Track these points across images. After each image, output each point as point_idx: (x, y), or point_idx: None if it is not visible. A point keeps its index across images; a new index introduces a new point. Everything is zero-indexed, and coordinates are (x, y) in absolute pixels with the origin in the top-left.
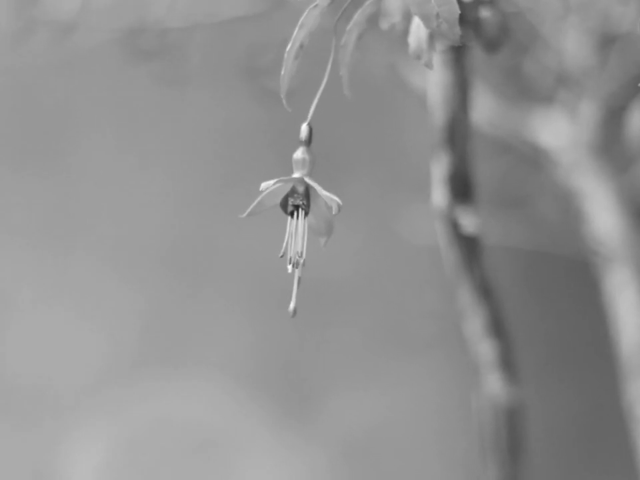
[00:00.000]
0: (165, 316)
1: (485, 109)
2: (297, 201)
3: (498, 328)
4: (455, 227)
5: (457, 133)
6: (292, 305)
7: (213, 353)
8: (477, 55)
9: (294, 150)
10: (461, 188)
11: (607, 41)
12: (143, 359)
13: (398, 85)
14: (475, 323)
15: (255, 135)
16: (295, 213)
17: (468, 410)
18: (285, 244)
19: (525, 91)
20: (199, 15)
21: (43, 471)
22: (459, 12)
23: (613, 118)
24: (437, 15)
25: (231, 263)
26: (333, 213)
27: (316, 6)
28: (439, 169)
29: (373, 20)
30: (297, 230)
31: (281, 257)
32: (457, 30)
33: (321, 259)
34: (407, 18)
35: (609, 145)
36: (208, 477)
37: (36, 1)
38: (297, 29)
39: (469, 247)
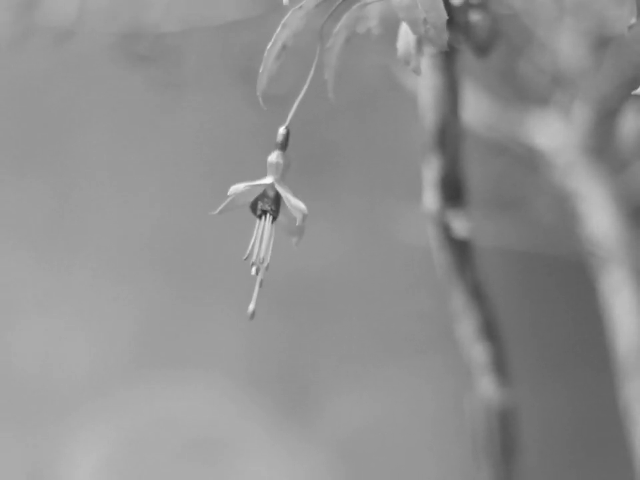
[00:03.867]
0: (164, 318)
1: (479, 110)
2: (265, 206)
3: (491, 330)
4: (446, 230)
5: (448, 136)
6: (251, 307)
7: (212, 355)
8: (469, 57)
9: (289, 153)
10: (452, 191)
11: (602, 43)
12: (143, 361)
13: (390, 87)
14: (467, 326)
15: (250, 138)
16: (264, 217)
17: (462, 412)
18: (250, 247)
19: (520, 93)
20: (195, 19)
21: (44, 472)
22: (447, 17)
23: (608, 119)
24: (425, 20)
25: (228, 264)
26: (297, 224)
27: (301, 7)
28: (430, 172)
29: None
30: (263, 234)
31: (245, 259)
32: (445, 35)
33: (314, 260)
34: (384, 21)
35: (603, 146)
36: (207, 478)
37: (34, 6)
38: (279, 28)
39: (460, 250)
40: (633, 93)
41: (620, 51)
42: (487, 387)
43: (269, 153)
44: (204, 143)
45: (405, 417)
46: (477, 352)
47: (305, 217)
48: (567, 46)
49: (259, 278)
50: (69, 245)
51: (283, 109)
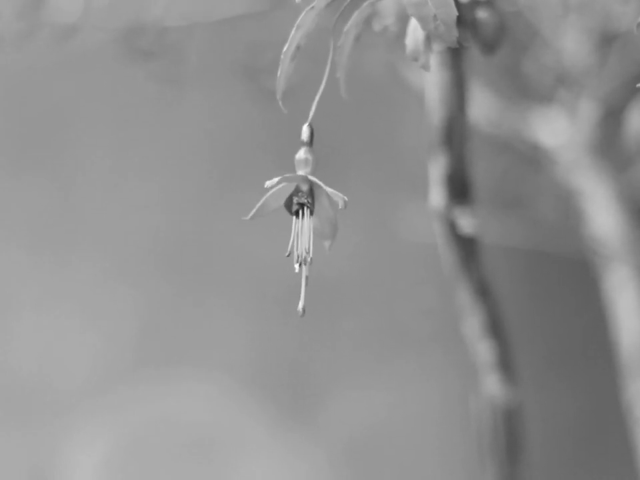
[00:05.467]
0: (165, 317)
1: (484, 107)
2: (301, 199)
3: (496, 328)
4: (452, 227)
5: (455, 133)
6: (301, 305)
7: (214, 354)
8: (475, 55)
9: (293, 150)
10: (459, 188)
11: (606, 40)
12: (143, 360)
13: (396, 84)
14: (473, 323)
15: (253, 135)
16: (300, 212)
17: (467, 410)
18: (290, 243)
19: (524, 90)
20: (197, 15)
21: (43, 471)
22: (457, 14)
23: (612, 117)
24: (435, 17)
25: (230, 263)
26: (340, 207)
27: (313, 7)
28: (437, 169)
29: (371, 21)
30: (302, 229)
31: (288, 256)
32: (455, 32)
33: (319, 258)
34: (401, 19)
35: (607, 144)
36: (208, 478)
37: (39, 3)
38: (293, 30)
39: (466, 247)
40: (638, 85)
41: (624, 49)
42: (492, 385)
43: (271, 148)
44: (206, 138)
45: (409, 414)
46: (483, 349)
47: (345, 203)
48: (571, 44)
49: (304, 274)
50: (69, 243)
51: (285, 105)
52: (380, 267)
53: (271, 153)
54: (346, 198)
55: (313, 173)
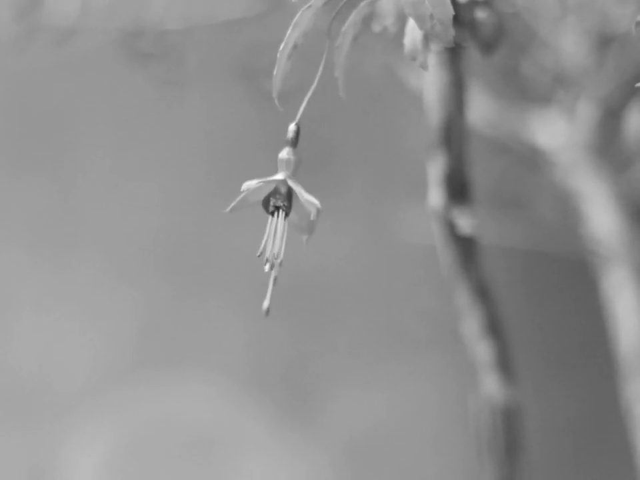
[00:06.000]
0: (164, 318)
1: (482, 109)
2: (278, 202)
3: (495, 329)
4: (451, 227)
5: (453, 134)
6: (266, 304)
7: (213, 354)
8: (473, 55)
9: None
10: (457, 189)
11: (605, 41)
12: (143, 361)
13: (394, 85)
14: (472, 324)
15: (252, 136)
16: (276, 213)
17: (466, 410)
18: (263, 243)
19: (523, 91)
20: (196, 17)
21: (43, 471)
22: (453, 13)
23: (611, 118)
24: (431, 16)
25: (229, 264)
26: (311, 218)
27: (310, 6)
28: (435, 170)
29: (368, 21)
30: (276, 230)
31: (259, 256)
32: (451, 31)
33: (317, 259)
34: (400, 20)
35: (606, 145)
36: (208, 478)
37: (38, 4)
38: (290, 28)
39: (465, 247)
40: (637, 85)
41: (623, 50)
42: (491, 386)
43: (270, 149)
44: (205, 140)
45: (408, 415)
46: (482, 350)
47: (319, 211)
48: (569, 44)
49: (273, 274)
50: (69, 243)
51: (284, 106)
52: (378, 268)
53: (270, 154)
54: (320, 206)
55: (294, 173)
